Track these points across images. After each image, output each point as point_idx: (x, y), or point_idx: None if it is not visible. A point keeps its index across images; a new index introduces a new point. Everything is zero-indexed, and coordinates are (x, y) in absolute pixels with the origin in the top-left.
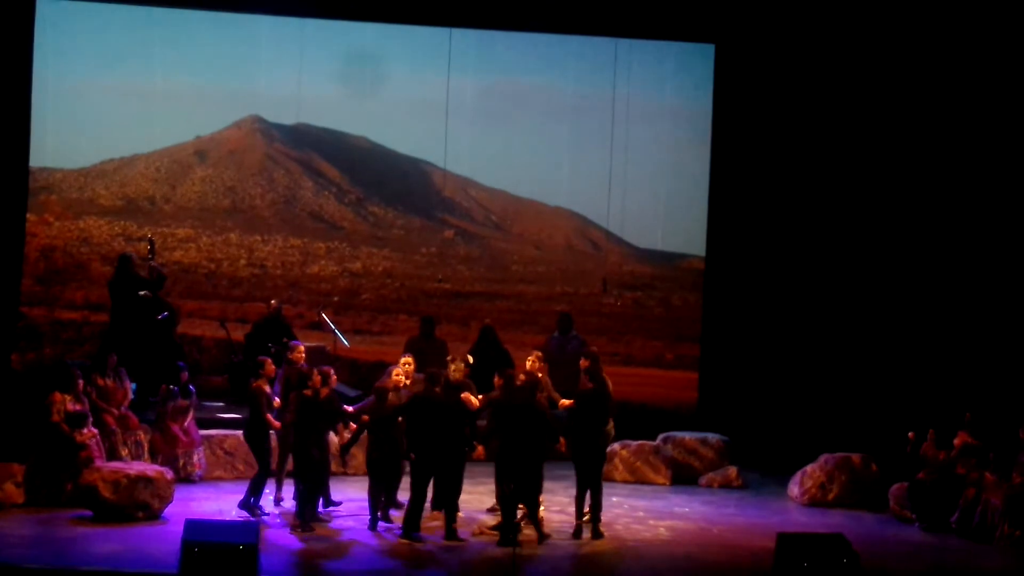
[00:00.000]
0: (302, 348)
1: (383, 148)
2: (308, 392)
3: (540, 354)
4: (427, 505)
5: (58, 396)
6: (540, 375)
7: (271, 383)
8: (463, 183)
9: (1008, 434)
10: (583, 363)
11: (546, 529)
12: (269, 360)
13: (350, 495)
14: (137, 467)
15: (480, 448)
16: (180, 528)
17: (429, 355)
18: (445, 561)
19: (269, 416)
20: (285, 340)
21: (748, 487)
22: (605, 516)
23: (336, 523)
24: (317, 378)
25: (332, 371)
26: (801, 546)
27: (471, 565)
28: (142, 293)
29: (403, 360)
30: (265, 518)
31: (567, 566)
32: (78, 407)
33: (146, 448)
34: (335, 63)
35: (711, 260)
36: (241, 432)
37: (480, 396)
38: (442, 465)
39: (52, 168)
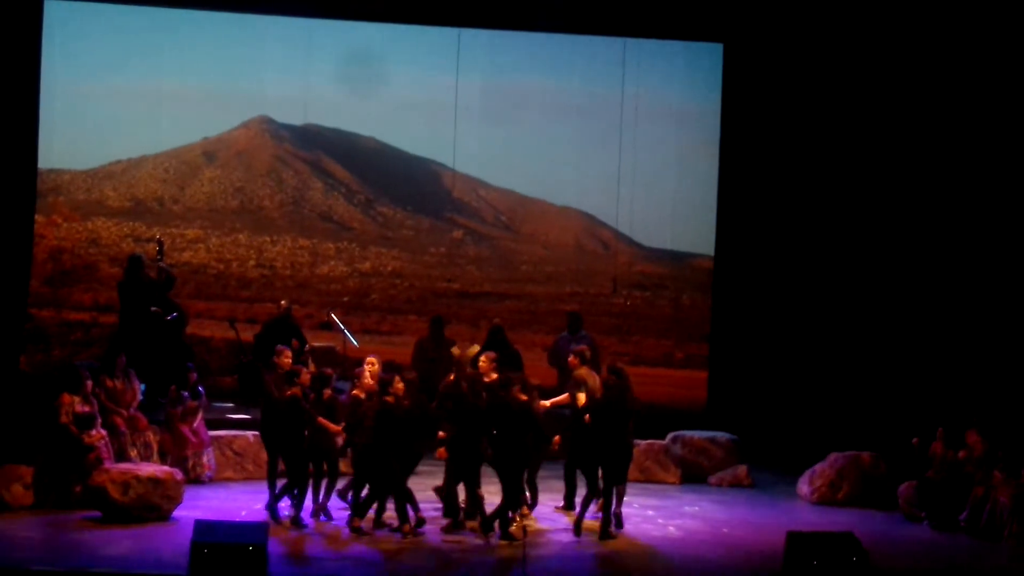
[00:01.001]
0: (288, 352)
1: (392, 148)
2: (390, 399)
3: (493, 355)
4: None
5: (67, 398)
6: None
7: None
8: (472, 183)
9: (1017, 432)
10: (571, 361)
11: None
12: (304, 368)
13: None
14: (146, 468)
15: (557, 439)
16: (189, 529)
17: (438, 356)
18: (455, 560)
19: (323, 420)
20: (294, 341)
21: (758, 486)
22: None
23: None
24: (400, 385)
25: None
26: (811, 545)
27: (480, 564)
28: (154, 309)
29: (368, 359)
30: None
31: (576, 565)
32: (87, 409)
33: (155, 449)
34: (343, 64)
35: (720, 259)
36: (252, 434)
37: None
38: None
39: (60, 170)
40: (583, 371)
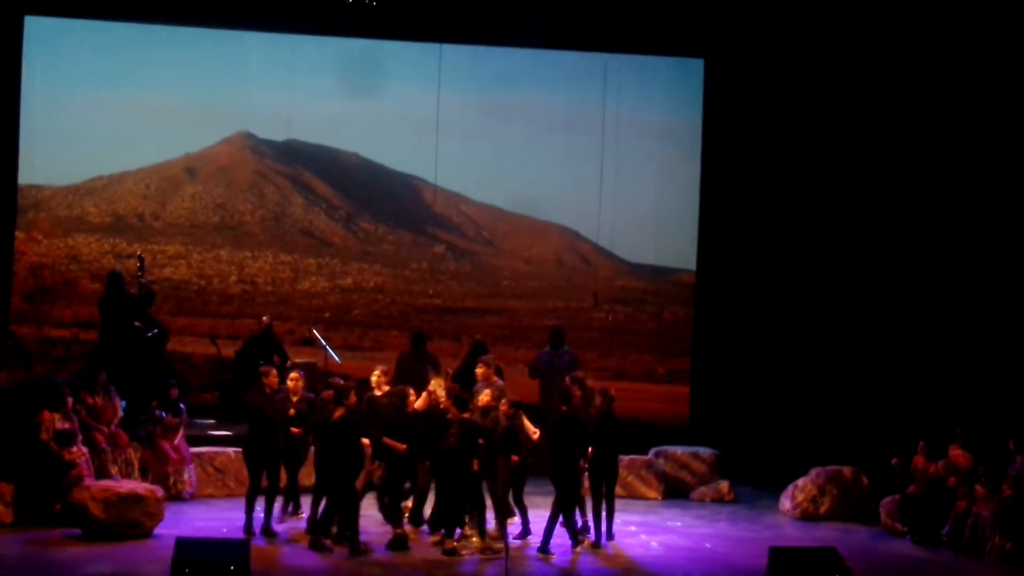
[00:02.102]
0: (275, 372)
1: (373, 164)
2: (467, 415)
3: (385, 368)
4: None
5: (47, 415)
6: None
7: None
8: (454, 199)
9: (998, 447)
10: (483, 372)
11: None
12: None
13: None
14: (127, 485)
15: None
16: (171, 546)
17: (420, 371)
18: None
19: (388, 440)
20: (276, 358)
21: (740, 501)
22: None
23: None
24: (505, 404)
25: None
26: (793, 560)
27: None
28: (137, 324)
29: (292, 375)
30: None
31: None
32: (67, 425)
33: (136, 466)
34: (325, 79)
35: (702, 274)
36: (233, 450)
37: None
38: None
39: (41, 185)
40: (495, 380)
